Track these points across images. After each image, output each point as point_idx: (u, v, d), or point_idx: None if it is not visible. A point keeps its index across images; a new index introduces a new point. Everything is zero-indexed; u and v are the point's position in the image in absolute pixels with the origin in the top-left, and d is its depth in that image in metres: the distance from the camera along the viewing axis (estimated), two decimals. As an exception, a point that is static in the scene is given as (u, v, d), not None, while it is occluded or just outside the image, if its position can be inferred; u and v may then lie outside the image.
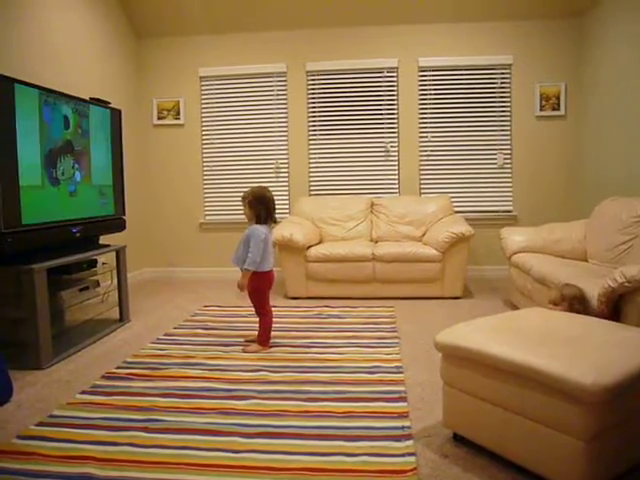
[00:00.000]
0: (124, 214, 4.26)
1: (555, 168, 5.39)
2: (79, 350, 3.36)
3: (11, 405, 2.54)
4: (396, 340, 3.38)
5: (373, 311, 4.13)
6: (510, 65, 5.34)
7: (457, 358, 2.01)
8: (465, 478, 1.85)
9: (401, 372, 2.82)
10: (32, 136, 3.09)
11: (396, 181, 5.58)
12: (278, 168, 5.70)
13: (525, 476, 1.82)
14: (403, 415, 2.30)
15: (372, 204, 5.30)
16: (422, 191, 5.54)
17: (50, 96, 3.29)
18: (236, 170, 5.75)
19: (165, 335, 3.62)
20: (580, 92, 5.22)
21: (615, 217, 3.69)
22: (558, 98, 5.30)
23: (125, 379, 2.80)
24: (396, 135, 5.54)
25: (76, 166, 3.58)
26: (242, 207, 3.28)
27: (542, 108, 5.33)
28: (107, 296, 4.08)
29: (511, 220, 5.41)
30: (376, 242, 5.01)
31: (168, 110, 5.78)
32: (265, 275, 3.24)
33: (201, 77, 5.71)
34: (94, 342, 3.53)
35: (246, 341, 3.39)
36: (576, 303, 2.88)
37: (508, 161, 5.45)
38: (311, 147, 5.65)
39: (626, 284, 2.59)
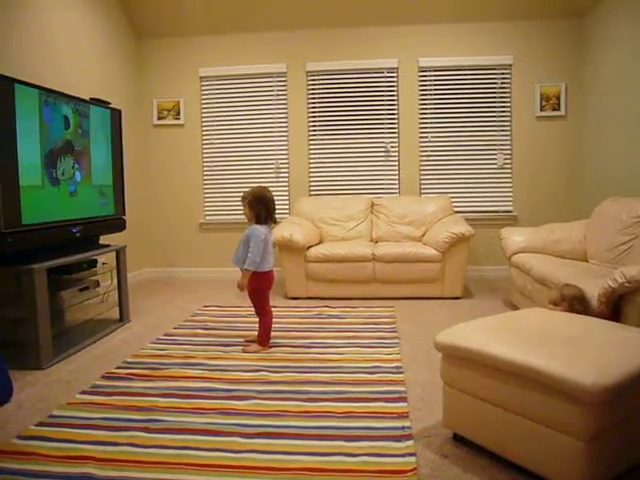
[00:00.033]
0: (124, 214, 4.26)
1: (555, 168, 5.39)
2: (79, 350, 3.36)
3: (11, 405, 2.54)
4: (396, 340, 3.38)
5: (373, 311, 4.13)
6: (510, 65, 5.35)
7: (457, 358, 2.01)
8: (465, 478, 1.85)
9: (401, 372, 2.82)
10: (32, 136, 3.10)
11: (396, 181, 5.58)
12: (278, 168, 5.70)
13: (525, 476, 1.82)
14: (403, 415, 2.30)
15: (372, 204, 5.30)
16: (422, 191, 5.54)
17: (50, 96, 3.29)
18: (236, 170, 5.75)
19: (165, 335, 3.62)
20: (580, 92, 5.22)
21: (615, 217, 3.69)
22: (558, 98, 5.30)
23: (125, 379, 2.80)
24: (396, 135, 5.54)
25: (76, 166, 3.58)
26: (242, 207, 3.28)
27: (542, 108, 5.33)
28: (107, 296, 4.08)
29: (511, 220, 5.42)
30: (376, 242, 5.01)
31: (168, 110, 5.78)
32: (265, 275, 3.24)
33: (201, 77, 5.71)
34: (94, 342, 3.53)
35: (246, 341, 3.39)
36: (576, 303, 2.88)
37: (508, 161, 5.45)
38: (311, 147, 5.65)
39: (626, 284, 2.59)
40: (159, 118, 5.80)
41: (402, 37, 5.41)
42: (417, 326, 3.74)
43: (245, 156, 5.72)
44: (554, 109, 5.32)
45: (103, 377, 2.86)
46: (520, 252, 4.12)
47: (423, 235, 4.97)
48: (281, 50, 5.55)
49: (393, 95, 5.52)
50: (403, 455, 1.97)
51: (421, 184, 5.54)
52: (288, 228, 4.65)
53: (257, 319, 3.33)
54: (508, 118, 5.41)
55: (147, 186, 5.86)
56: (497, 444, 1.89)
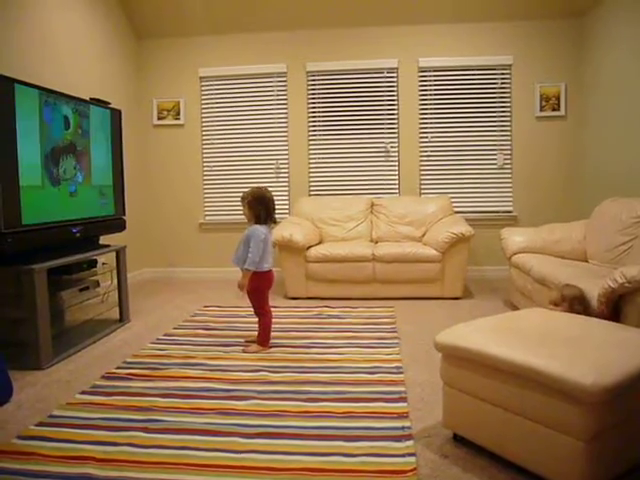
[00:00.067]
0: (124, 214, 4.26)
1: (555, 168, 5.39)
2: (79, 350, 3.36)
3: (11, 405, 2.54)
4: (396, 340, 3.38)
5: (373, 311, 4.13)
6: (510, 65, 5.35)
7: (457, 358, 2.01)
8: (465, 478, 1.85)
9: (401, 372, 2.82)
10: (32, 136, 3.10)
11: (396, 181, 5.58)
12: (278, 168, 5.70)
13: (525, 476, 1.82)
14: (403, 415, 2.30)
15: (372, 204, 5.30)
16: (422, 191, 5.54)
17: (50, 96, 3.29)
18: (236, 170, 5.75)
19: (165, 335, 3.62)
20: (580, 92, 5.22)
21: (615, 218, 3.69)
22: (558, 98, 5.30)
23: (125, 379, 2.80)
24: (396, 135, 5.54)
25: (77, 166, 3.58)
26: (242, 208, 3.28)
27: (542, 108, 5.33)
28: (107, 296, 4.08)
29: (511, 220, 5.41)
30: (376, 242, 5.01)
31: (168, 110, 5.78)
32: (265, 275, 3.24)
33: (201, 77, 5.71)
34: (94, 342, 3.53)
35: (246, 341, 3.39)
36: (576, 303, 2.88)
37: (508, 161, 5.45)
38: (311, 147, 5.65)
39: (626, 284, 2.59)
40: (159, 118, 5.80)
41: (402, 37, 5.41)
42: (417, 326, 3.74)
43: (245, 156, 5.73)
44: (554, 109, 5.32)
45: (103, 377, 2.86)
46: (520, 252, 4.12)
47: (423, 235, 4.97)
48: (281, 50, 5.55)
49: (393, 95, 5.52)
50: (403, 455, 1.97)
51: (421, 184, 5.54)
52: (288, 228, 4.65)
53: (257, 319, 3.33)
54: (508, 118, 5.41)
55: (147, 186, 5.86)
56: (497, 444, 1.89)
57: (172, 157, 5.84)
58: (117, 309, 3.98)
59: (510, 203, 5.47)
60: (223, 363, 3.02)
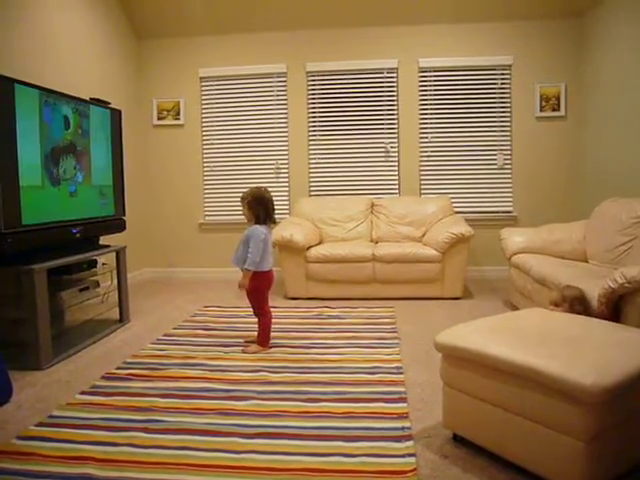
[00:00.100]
0: (124, 214, 4.26)
1: (555, 169, 5.39)
2: (79, 350, 3.36)
3: (11, 405, 2.53)
4: (396, 341, 3.38)
5: (373, 312, 4.13)
6: (510, 66, 5.35)
7: (457, 359, 2.01)
8: (465, 479, 1.85)
9: (401, 373, 2.82)
10: (32, 136, 3.10)
11: (396, 182, 5.58)
12: (278, 168, 5.70)
13: (525, 476, 1.82)
14: (403, 416, 2.30)
15: (372, 205, 5.30)
16: (422, 192, 5.54)
17: (50, 96, 3.29)
18: (236, 170, 5.75)
19: (165, 336, 3.62)
20: (580, 93, 5.22)
21: (615, 218, 3.69)
22: (558, 99, 5.30)
23: (125, 379, 2.80)
24: (396, 136, 5.54)
25: (77, 166, 3.58)
26: (241, 208, 3.28)
27: (542, 109, 5.33)
28: (107, 296, 4.08)
29: (511, 221, 5.41)
30: (376, 243, 5.01)
31: (168, 110, 5.78)
32: (264, 275, 3.24)
33: (201, 77, 5.71)
34: (94, 342, 3.53)
35: (246, 342, 3.39)
36: (576, 304, 2.88)
37: (508, 162, 5.45)
38: (311, 147, 5.65)
39: (626, 285, 2.59)
40: (159, 118, 5.80)
41: (402, 37, 5.41)
42: (417, 326, 3.74)
43: (245, 156, 5.73)
44: (554, 109, 5.32)
45: (103, 377, 2.85)
46: (520, 252, 4.12)
47: (423, 235, 4.97)
48: (281, 50, 5.55)
49: (393, 95, 5.52)
50: (403, 455, 1.97)
51: (421, 184, 5.54)
52: (288, 228, 4.66)
53: (257, 320, 3.33)
54: (508, 119, 5.41)
55: (147, 186, 5.86)
56: (497, 444, 1.89)
57: (172, 157, 5.84)
58: (117, 309, 3.98)
59: (510, 203, 5.47)
60: (223, 363, 3.02)
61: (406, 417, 2.29)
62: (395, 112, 5.52)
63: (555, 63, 5.28)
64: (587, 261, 3.92)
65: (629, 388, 1.65)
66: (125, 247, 4.03)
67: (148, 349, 3.33)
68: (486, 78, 5.40)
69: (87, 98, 3.84)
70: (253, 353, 3.19)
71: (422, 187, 5.55)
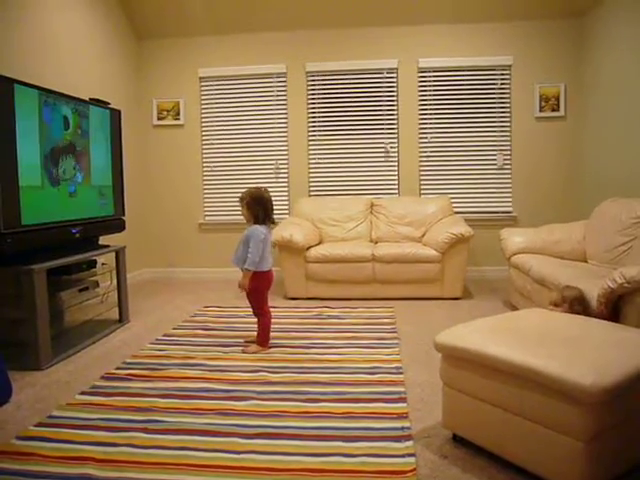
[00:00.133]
0: (123, 214, 4.26)
1: (555, 169, 5.39)
2: (78, 351, 3.36)
3: (10, 406, 2.53)
4: (396, 341, 3.38)
5: (373, 312, 4.13)
6: (510, 66, 5.35)
7: (456, 359, 2.01)
8: (464, 479, 1.85)
9: (401, 373, 2.82)
10: (32, 136, 3.10)
11: (396, 182, 5.58)
12: (278, 169, 5.70)
13: (524, 477, 1.82)
14: (403, 416, 2.30)
15: (372, 205, 5.30)
16: (422, 192, 5.54)
17: (50, 96, 3.29)
18: (236, 171, 5.75)
19: (164, 336, 3.62)
20: (580, 93, 5.23)
21: (615, 218, 3.69)
22: (558, 99, 5.30)
23: (124, 380, 2.80)
24: (396, 136, 5.54)
25: (77, 167, 3.58)
26: (240, 208, 3.28)
27: (542, 109, 5.33)
28: (106, 297, 4.08)
29: (511, 221, 5.42)
30: (376, 243, 5.02)
31: (168, 111, 5.78)
32: (264, 275, 3.24)
33: (201, 78, 5.71)
34: (93, 343, 3.53)
35: (245, 342, 3.39)
36: (576, 304, 2.88)
37: (508, 162, 5.45)
38: (311, 147, 5.65)
39: (625, 285, 2.59)
40: (159, 118, 5.80)
41: (402, 38, 5.41)
42: (417, 327, 3.74)
43: (245, 156, 5.73)
44: (553, 110, 5.32)
45: (102, 378, 2.85)
46: (520, 253, 4.12)
47: (423, 236, 4.97)
48: (281, 50, 5.56)
49: (393, 96, 5.52)
50: (402, 456, 1.97)
51: (421, 185, 5.54)
52: (288, 228, 4.66)
53: (256, 320, 3.33)
54: (507, 119, 5.42)
55: (147, 186, 5.86)
56: (496, 444, 1.89)
57: (172, 157, 5.84)
58: (117, 309, 3.98)
59: (510, 203, 5.47)
60: (223, 363, 3.02)
61: (406, 417, 2.29)
62: (395, 112, 5.52)
63: (555, 63, 5.29)
64: (587, 261, 3.92)
65: (628, 388, 1.65)
66: (124, 247, 4.03)
67: (148, 349, 3.33)
68: (486, 78, 5.40)
69: (87, 98, 3.84)
70: (253, 353, 3.19)
71: (422, 187, 5.55)
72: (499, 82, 5.39)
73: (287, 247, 4.58)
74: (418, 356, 3.11)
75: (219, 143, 5.77)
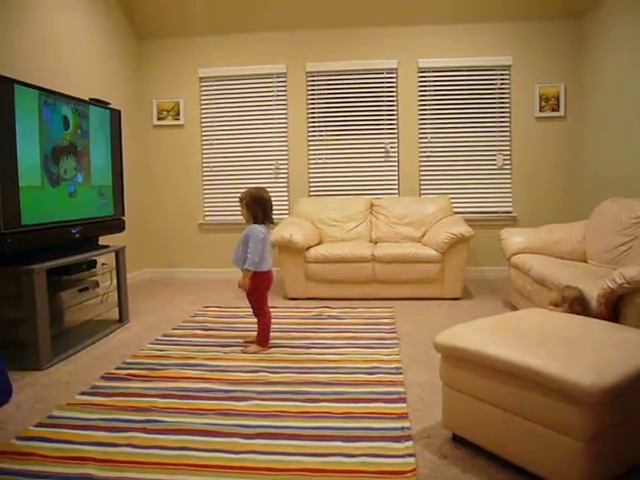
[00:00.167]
0: (123, 215, 4.26)
1: (554, 169, 5.39)
2: (78, 351, 3.36)
3: (10, 406, 2.53)
4: (395, 341, 3.38)
5: (373, 312, 4.13)
6: (509, 66, 5.35)
7: (456, 359, 2.01)
8: (464, 479, 1.85)
9: (400, 373, 2.82)
10: (32, 136, 3.10)
11: (396, 182, 5.59)
12: (278, 169, 5.70)
13: (524, 477, 1.82)
14: (402, 416, 2.30)
15: (372, 205, 5.30)
16: (422, 192, 5.55)
17: (50, 97, 3.29)
18: (236, 171, 5.75)
19: (164, 336, 3.62)
20: (580, 93, 5.23)
21: (615, 218, 3.69)
22: (557, 99, 5.30)
23: (124, 380, 2.80)
24: (396, 136, 5.54)
25: (77, 167, 3.58)
26: (240, 208, 3.28)
27: (541, 109, 5.34)
28: (106, 297, 4.08)
29: (511, 221, 5.42)
30: (376, 243, 5.02)
31: (168, 111, 5.78)
32: (264, 275, 3.24)
33: (201, 78, 5.71)
34: (93, 343, 3.53)
35: (245, 342, 3.39)
36: (576, 304, 2.88)
37: (507, 162, 5.45)
38: (311, 148, 5.66)
39: (625, 285, 2.59)
40: (159, 119, 5.81)
41: (402, 38, 5.42)
42: (416, 327, 3.74)
43: (245, 157, 5.73)
44: (553, 110, 5.32)
45: (102, 378, 2.85)
46: (520, 253, 4.12)
47: (423, 236, 4.97)
48: (281, 50, 5.56)
49: (393, 96, 5.52)
50: (402, 456, 1.97)
51: (421, 185, 5.55)
52: (288, 228, 4.66)
53: (256, 320, 3.33)
54: (507, 119, 5.42)
55: (146, 187, 5.86)
56: (496, 444, 1.89)
57: (172, 157, 5.84)
58: (116, 310, 3.98)
59: (510, 204, 5.48)
60: (222, 364, 3.02)
61: (405, 417, 2.29)
62: (395, 112, 5.52)
63: (554, 64, 5.29)
64: (587, 261, 3.92)
65: (628, 388, 1.65)
66: (124, 247, 4.03)
67: (147, 349, 3.33)
68: (485, 78, 5.40)
69: (87, 98, 3.84)
70: (253, 353, 3.19)
71: (422, 187, 5.55)
72: (499, 82, 5.40)
73: (287, 247, 4.59)
74: (418, 356, 3.11)
75: (219, 143, 5.77)
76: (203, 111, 5.76)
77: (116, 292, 3.95)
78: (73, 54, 4.51)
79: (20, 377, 2.87)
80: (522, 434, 1.78)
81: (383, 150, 5.58)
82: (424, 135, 5.51)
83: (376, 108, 5.56)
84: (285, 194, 5.70)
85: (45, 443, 2.11)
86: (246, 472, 1.89)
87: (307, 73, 5.57)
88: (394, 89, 5.51)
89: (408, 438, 2.10)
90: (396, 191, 5.58)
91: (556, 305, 2.95)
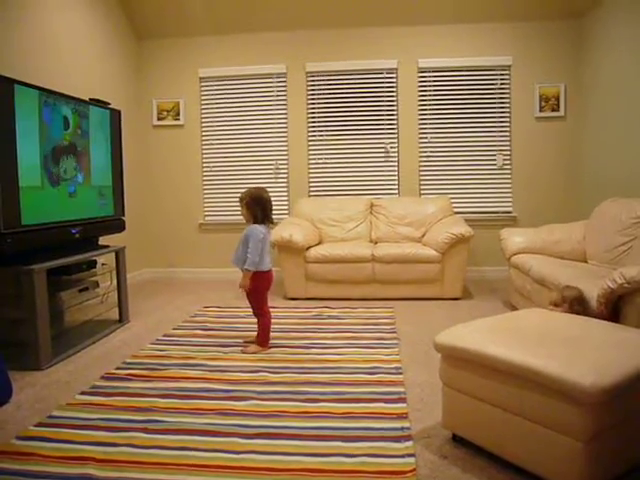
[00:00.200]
0: (123, 215, 4.26)
1: (554, 169, 5.40)
2: (78, 351, 3.36)
3: (10, 406, 2.54)
4: (395, 341, 3.38)
5: (372, 312, 4.13)
6: (509, 66, 5.35)
7: (456, 359, 2.01)
8: (464, 479, 1.85)
9: (400, 373, 2.82)
10: (32, 137, 3.10)
11: (396, 182, 5.59)
12: (277, 169, 5.71)
13: (524, 477, 1.82)
14: (402, 416, 2.30)
15: (372, 205, 5.30)
16: (422, 192, 5.55)
17: (50, 97, 3.29)
18: (236, 171, 5.76)
19: (164, 336, 3.62)
20: (580, 93, 5.23)
21: (615, 218, 3.69)
22: (557, 99, 5.30)
23: (124, 380, 2.80)
24: (396, 136, 5.54)
25: (78, 167, 3.58)
26: (239, 208, 3.28)
27: (541, 109, 5.34)
28: (106, 297, 4.08)
29: (511, 221, 5.42)
30: (375, 243, 5.02)
31: (168, 111, 5.78)
32: (264, 275, 3.25)
33: (201, 78, 5.71)
34: (93, 343, 3.53)
35: (245, 342, 3.39)
36: (576, 304, 2.88)
37: (508, 162, 5.46)
38: (310, 148, 5.66)
39: (625, 285, 2.59)
40: (159, 119, 5.81)
41: (402, 38, 5.42)
42: (416, 327, 3.74)
43: (245, 157, 5.73)
44: (553, 110, 5.33)
45: (102, 378, 2.86)
46: (520, 253, 4.12)
47: (423, 236, 4.97)
48: (281, 51, 5.56)
49: (393, 96, 5.52)
50: (402, 456, 1.97)
51: (421, 185, 5.55)
52: (288, 229, 4.66)
53: (256, 320, 3.33)
54: (507, 119, 5.42)
55: (146, 187, 5.86)
56: (496, 444, 1.89)
57: (172, 157, 5.84)
58: (116, 310, 3.98)
59: (510, 204, 5.48)
60: (222, 364, 3.02)
61: (405, 417, 2.29)
62: (395, 112, 5.53)
63: (554, 64, 5.29)
64: (587, 261, 3.92)
65: (628, 388, 1.65)
66: (124, 247, 4.03)
67: (148, 349, 3.33)
68: (485, 78, 5.40)
69: (87, 98, 3.84)
70: (253, 353, 3.20)
71: (422, 187, 5.55)
72: (499, 82, 5.40)
73: (287, 247, 4.59)
74: (418, 356, 3.11)
75: (219, 143, 5.77)
76: (203, 111, 5.76)
77: (116, 292, 3.96)
78: (73, 54, 4.51)
79: (20, 377, 2.87)
80: (522, 434, 1.78)
81: (383, 150, 5.58)
82: (424, 135, 5.51)
83: (376, 108, 5.56)
84: (285, 194, 5.70)
85: (45, 443, 2.12)
86: (246, 472, 1.89)
87: (307, 73, 5.57)
88: (394, 89, 5.51)
89: (408, 438, 2.11)
90: (396, 191, 5.58)
91: (556, 305, 2.95)
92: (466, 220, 4.83)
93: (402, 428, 2.19)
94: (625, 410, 1.72)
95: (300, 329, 3.70)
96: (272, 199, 3.30)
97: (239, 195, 3.29)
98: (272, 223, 3.32)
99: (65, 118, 3.45)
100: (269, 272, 3.28)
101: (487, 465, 1.92)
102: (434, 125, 5.50)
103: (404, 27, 5.40)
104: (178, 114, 5.76)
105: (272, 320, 3.35)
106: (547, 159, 5.39)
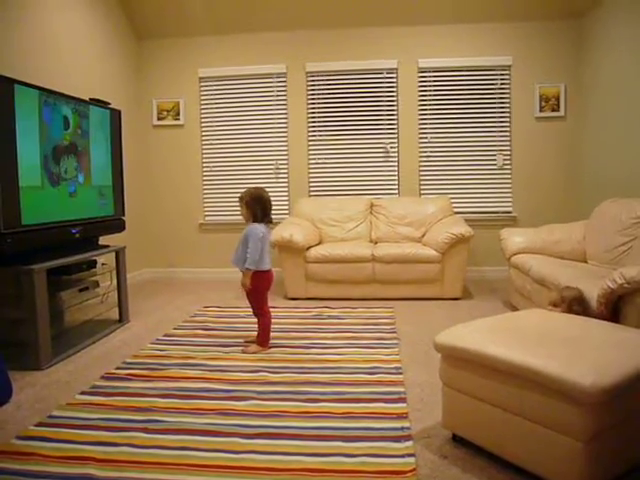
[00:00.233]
0: (123, 215, 4.26)
1: (555, 169, 5.40)
2: (78, 351, 3.36)
3: (10, 406, 2.54)
4: (395, 341, 3.39)
5: (373, 312, 4.13)
6: (510, 66, 5.35)
7: (456, 359, 2.01)
8: (464, 479, 1.85)
9: (400, 373, 2.82)
10: (32, 136, 3.10)
11: (396, 182, 5.59)
12: (278, 169, 5.71)
13: (524, 477, 1.82)
14: (402, 416, 2.31)
15: (372, 205, 5.31)
16: (422, 192, 5.55)
17: (50, 96, 3.29)
18: (236, 171, 5.76)
19: (165, 336, 3.62)
20: (580, 93, 5.23)
21: (615, 218, 3.69)
22: (558, 99, 5.30)
23: (124, 380, 2.80)
24: (396, 136, 5.54)
25: (78, 167, 3.59)
26: (239, 208, 3.29)
27: (542, 109, 5.34)
28: (107, 297, 4.08)
29: (511, 221, 5.42)
30: (376, 243, 5.02)
31: (168, 111, 5.79)
32: (264, 275, 3.25)
33: (201, 78, 5.71)
34: (93, 343, 3.53)
35: (245, 342, 3.39)
36: (575, 304, 2.88)
37: (508, 162, 5.46)
38: (311, 148, 5.66)
39: (625, 285, 2.59)
40: (159, 119, 5.81)
41: (402, 38, 5.42)
42: (416, 327, 3.74)
43: (245, 157, 5.73)
44: (553, 110, 5.33)
45: (102, 378, 2.86)
46: (520, 253, 4.12)
47: (423, 236, 4.97)
48: (281, 50, 5.56)
49: (393, 96, 5.52)
50: (402, 456, 1.97)
51: (421, 185, 5.55)
52: (288, 228, 4.66)
53: (256, 320, 3.33)
54: (507, 119, 5.42)
55: (147, 187, 5.86)
56: (496, 444, 1.89)
57: (172, 157, 5.84)
58: (117, 309, 3.98)
59: (510, 204, 5.48)
60: (223, 364, 3.02)
61: (405, 417, 2.30)
62: (395, 112, 5.53)
63: (554, 64, 5.29)
64: (587, 261, 3.92)
65: (628, 388, 1.65)
66: (124, 247, 4.04)
67: (148, 349, 3.33)
68: (486, 78, 5.40)
69: (87, 98, 3.84)
70: (253, 353, 3.20)
71: (422, 187, 5.55)
72: (499, 82, 5.40)
73: (287, 247, 4.59)
74: (418, 356, 3.12)
75: (219, 143, 5.77)
76: (203, 111, 5.76)
77: (116, 292, 3.96)
78: (73, 54, 4.51)
79: (20, 377, 2.87)
80: (522, 434, 1.78)
81: (383, 150, 5.58)
82: (424, 135, 5.51)
83: (376, 108, 5.56)
84: (285, 194, 5.70)
85: (45, 443, 2.12)
86: (246, 472, 1.89)
87: (307, 73, 5.57)
88: (394, 89, 5.51)
89: (408, 438, 2.11)
90: (396, 191, 5.58)
91: (555, 305, 2.95)
92: (466, 220, 4.83)
93: (402, 428, 2.19)
94: (625, 410, 1.72)
95: (300, 329, 3.70)
96: (272, 199, 3.30)
97: (239, 195, 3.29)
98: (271, 223, 3.33)
99: (65, 118, 3.45)
100: (269, 272, 3.28)
101: (487, 465, 1.92)
102: (434, 125, 5.50)
103: (404, 27, 5.40)
104: (178, 114, 5.76)
105: (272, 320, 3.36)
106: (547, 159, 5.39)
